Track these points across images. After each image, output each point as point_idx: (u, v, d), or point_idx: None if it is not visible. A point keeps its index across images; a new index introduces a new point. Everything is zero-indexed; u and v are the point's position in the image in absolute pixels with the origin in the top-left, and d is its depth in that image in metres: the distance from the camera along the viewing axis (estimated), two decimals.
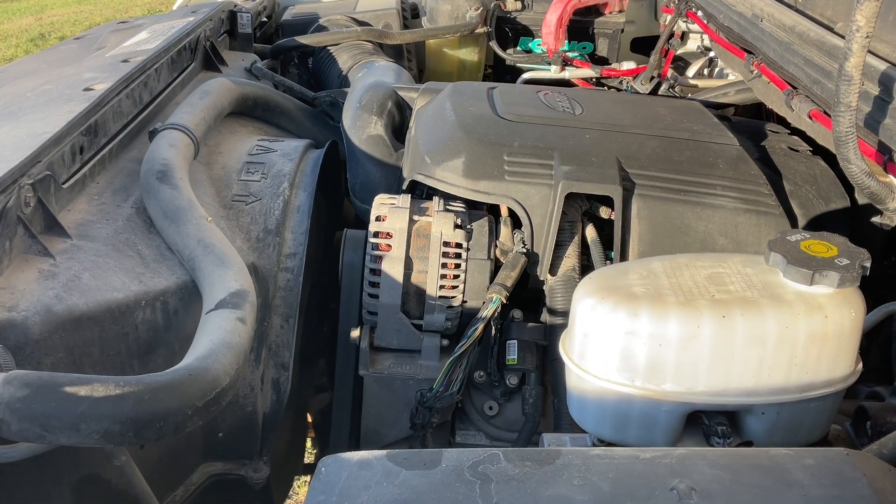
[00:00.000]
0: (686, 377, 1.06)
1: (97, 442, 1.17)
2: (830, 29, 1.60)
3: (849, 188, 1.91)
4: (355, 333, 1.79)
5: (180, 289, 1.59)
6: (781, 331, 1.04)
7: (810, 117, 1.65)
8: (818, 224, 1.83)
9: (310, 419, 2.61)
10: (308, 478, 2.81)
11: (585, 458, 0.90)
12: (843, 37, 1.51)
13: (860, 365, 1.12)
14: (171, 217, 1.63)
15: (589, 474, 0.87)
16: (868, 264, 1.07)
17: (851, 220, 1.88)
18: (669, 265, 1.15)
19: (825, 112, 1.60)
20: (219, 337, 1.38)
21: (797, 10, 1.78)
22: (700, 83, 2.85)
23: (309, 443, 3.07)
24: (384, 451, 0.92)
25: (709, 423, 1.09)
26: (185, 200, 1.66)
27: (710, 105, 2.38)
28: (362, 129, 2.17)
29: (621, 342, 1.07)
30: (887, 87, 1.32)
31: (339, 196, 2.41)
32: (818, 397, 1.07)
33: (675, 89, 2.81)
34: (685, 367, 1.05)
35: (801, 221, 1.83)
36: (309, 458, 3.16)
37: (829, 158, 1.96)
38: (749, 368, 1.05)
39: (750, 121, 2.38)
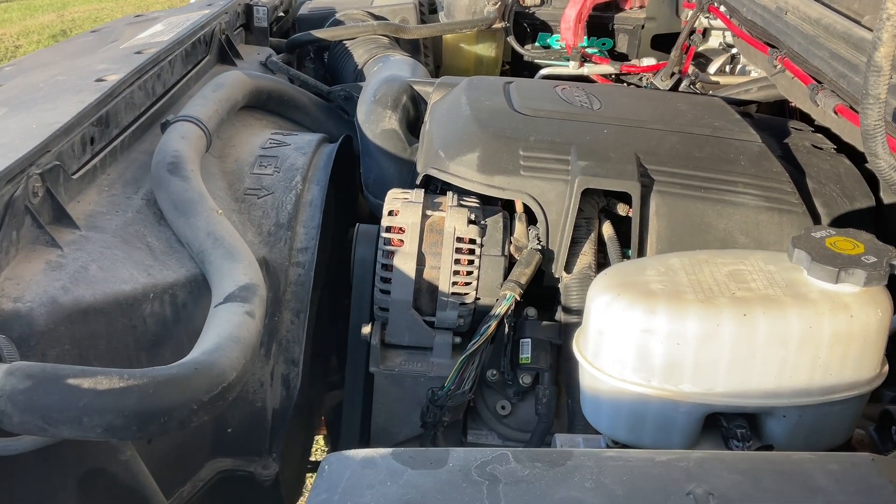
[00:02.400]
0: (705, 378, 1.02)
1: (100, 436, 1.15)
2: (857, 22, 1.56)
3: (874, 187, 1.87)
4: (366, 330, 1.77)
5: (189, 282, 1.57)
6: (805, 330, 1.00)
7: (836, 112, 1.60)
8: (842, 223, 1.79)
9: (322, 417, 2.59)
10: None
11: (598, 459, 0.86)
12: (870, 29, 1.46)
13: (886, 367, 1.08)
14: (181, 209, 1.61)
15: (602, 477, 0.83)
16: None
17: (876, 220, 1.84)
18: (688, 261, 1.11)
19: (851, 107, 1.55)
20: (226, 331, 1.35)
21: (822, 3, 1.73)
22: (721, 80, 2.80)
23: (321, 440, 3.05)
24: (389, 450, 0.89)
25: (728, 425, 1.05)
26: (195, 193, 1.64)
27: (732, 102, 2.33)
28: (376, 123, 2.14)
29: (637, 340, 1.03)
30: None
31: (354, 191, 2.39)
32: (842, 400, 1.03)
33: (696, 86, 2.76)
34: (704, 367, 1.01)
35: (825, 220, 1.79)
36: (321, 455, 3.15)
37: (854, 156, 1.91)
38: (770, 369, 1.01)
39: (773, 118, 2.34)
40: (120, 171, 1.75)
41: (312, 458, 2.92)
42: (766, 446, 1.05)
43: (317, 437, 2.92)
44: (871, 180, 1.88)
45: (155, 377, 1.19)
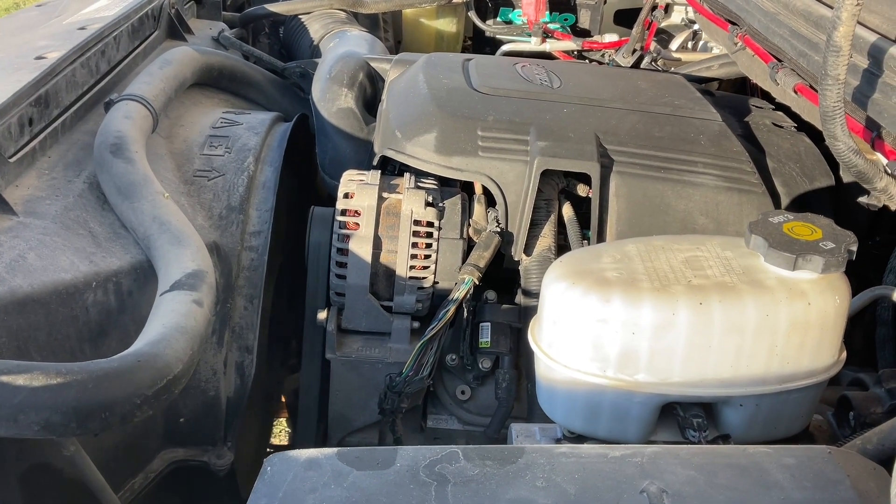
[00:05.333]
0: (660, 367, 0.99)
1: (38, 434, 1.10)
2: None
3: (833, 166, 1.86)
4: (322, 315, 1.72)
5: (134, 269, 1.52)
6: (762, 318, 0.97)
7: (795, 91, 1.58)
8: (802, 203, 1.78)
9: (283, 399, 2.56)
10: None
11: (550, 456, 0.83)
12: (831, 7, 1.44)
13: (844, 354, 1.06)
14: (125, 193, 1.56)
15: (553, 475, 0.81)
16: (854, 248, 1.00)
17: (836, 199, 1.83)
18: (644, 248, 1.08)
19: (811, 86, 1.53)
20: (172, 321, 1.31)
21: None
22: (683, 57, 2.77)
23: (284, 423, 3.01)
24: (335, 450, 0.85)
25: (684, 415, 1.03)
26: (140, 175, 1.59)
27: (693, 79, 2.31)
28: (332, 101, 2.08)
29: (592, 330, 1.00)
30: (877, 60, 1.25)
31: (311, 172, 2.33)
32: (799, 388, 1.01)
33: (658, 63, 2.73)
34: (659, 356, 0.99)
35: (785, 200, 1.78)
36: (284, 437, 3.11)
37: (814, 135, 1.90)
38: (727, 358, 0.99)
39: (733, 95, 2.32)
40: (61, 153, 1.68)
41: (276, 442, 2.88)
42: (723, 436, 1.04)
43: (280, 420, 2.88)
44: (831, 159, 1.87)
45: (94, 371, 1.15)
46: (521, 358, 1.71)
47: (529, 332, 1.12)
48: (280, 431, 3.05)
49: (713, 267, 1.03)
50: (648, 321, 0.98)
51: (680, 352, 0.98)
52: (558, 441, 1.13)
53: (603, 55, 2.98)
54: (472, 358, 1.70)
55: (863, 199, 1.30)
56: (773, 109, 2.09)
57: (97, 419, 1.13)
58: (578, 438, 1.12)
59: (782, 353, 0.99)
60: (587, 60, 3.01)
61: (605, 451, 0.84)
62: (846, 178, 1.85)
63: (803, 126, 1.94)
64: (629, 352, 0.99)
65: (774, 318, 0.97)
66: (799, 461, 0.82)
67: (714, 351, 0.98)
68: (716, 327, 0.97)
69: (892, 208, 1.27)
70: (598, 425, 1.05)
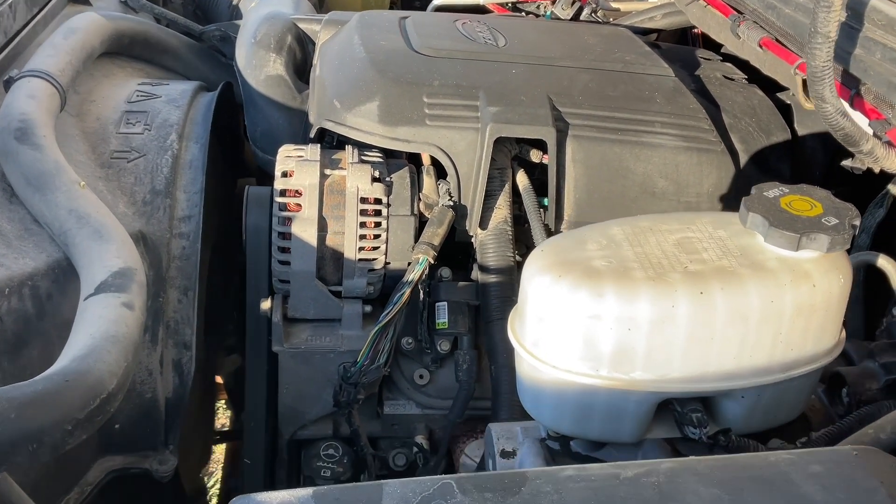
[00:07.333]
0: (658, 364, 0.91)
1: None
2: None
3: (787, 118, 1.81)
4: (266, 305, 1.60)
5: (52, 269, 1.37)
6: (766, 305, 0.90)
7: (761, 46, 1.50)
8: (760, 159, 1.73)
9: (221, 381, 2.43)
10: (223, 447, 2.63)
11: (556, 482, 0.74)
12: None
13: (843, 334, 1.00)
14: (36, 184, 1.40)
15: None
16: (858, 223, 0.93)
17: (793, 153, 1.78)
18: (631, 230, 0.99)
19: (777, 40, 1.45)
20: (101, 329, 1.18)
21: None
22: (623, 6, 2.68)
23: (223, 404, 2.88)
24: (310, 490, 0.74)
25: (682, 410, 0.95)
26: (51, 163, 1.43)
27: (636, 31, 2.22)
28: (259, 68, 1.92)
29: (583, 327, 0.91)
30: (857, 13, 1.17)
31: (239, 144, 2.17)
32: (802, 375, 0.95)
33: (598, 14, 2.63)
34: (658, 352, 0.90)
35: (743, 158, 1.72)
36: (223, 421, 2.98)
37: (765, 86, 1.85)
38: (730, 349, 0.91)
39: (680, 47, 2.25)
40: None
41: (217, 426, 2.75)
42: (723, 430, 0.96)
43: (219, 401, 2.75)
44: (784, 111, 1.82)
45: (16, 397, 1.01)
46: (481, 336, 1.62)
47: (509, 328, 1.02)
48: (218, 410, 2.92)
49: (708, 249, 0.94)
50: (646, 315, 0.89)
51: (680, 346, 0.90)
52: (543, 441, 1.04)
53: (538, 7, 2.86)
54: (430, 340, 1.62)
55: (846, 163, 1.24)
56: (722, 61, 2.03)
57: (23, 453, 1.00)
58: (564, 438, 1.03)
59: (787, 339, 0.92)
60: (523, 14, 2.88)
61: (617, 472, 0.75)
62: (801, 130, 1.80)
63: (754, 78, 1.88)
64: (624, 349, 0.90)
65: (779, 304, 0.90)
66: (826, 468, 0.75)
67: (716, 343, 0.90)
68: (718, 318, 0.89)
69: (877, 171, 1.21)
70: (589, 426, 0.97)
